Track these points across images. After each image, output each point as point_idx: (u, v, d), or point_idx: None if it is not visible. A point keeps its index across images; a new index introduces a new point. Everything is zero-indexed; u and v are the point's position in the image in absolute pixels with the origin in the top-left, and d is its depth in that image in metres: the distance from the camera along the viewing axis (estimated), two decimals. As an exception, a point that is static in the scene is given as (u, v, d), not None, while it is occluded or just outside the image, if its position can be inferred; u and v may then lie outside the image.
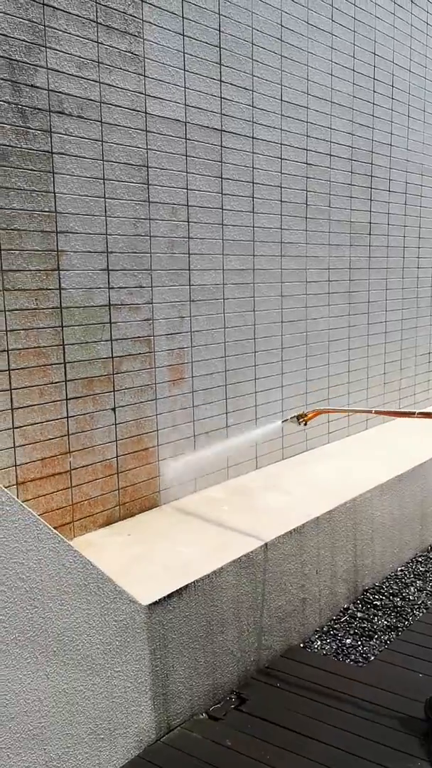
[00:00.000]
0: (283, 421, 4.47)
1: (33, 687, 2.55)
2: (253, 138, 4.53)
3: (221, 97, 4.24)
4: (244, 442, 4.68)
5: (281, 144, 4.78)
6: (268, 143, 4.66)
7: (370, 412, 5.62)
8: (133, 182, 3.74)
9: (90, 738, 2.77)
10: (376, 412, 5.08)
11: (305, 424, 4.29)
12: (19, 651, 2.49)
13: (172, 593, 3.08)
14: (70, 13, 3.32)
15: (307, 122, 5.00)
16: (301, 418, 4.21)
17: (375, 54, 5.63)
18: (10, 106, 3.13)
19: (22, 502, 3.27)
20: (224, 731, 3.15)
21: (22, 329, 3.27)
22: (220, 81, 4.22)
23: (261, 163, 4.62)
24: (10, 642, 2.46)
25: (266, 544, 3.62)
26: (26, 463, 3.34)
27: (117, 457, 3.79)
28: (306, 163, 5.04)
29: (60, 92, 3.33)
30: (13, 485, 3.28)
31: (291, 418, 4.28)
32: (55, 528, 3.42)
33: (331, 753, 3.00)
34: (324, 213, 5.29)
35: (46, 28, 3.23)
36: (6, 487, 3.24)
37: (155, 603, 3.01)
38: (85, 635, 2.73)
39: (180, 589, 3.11)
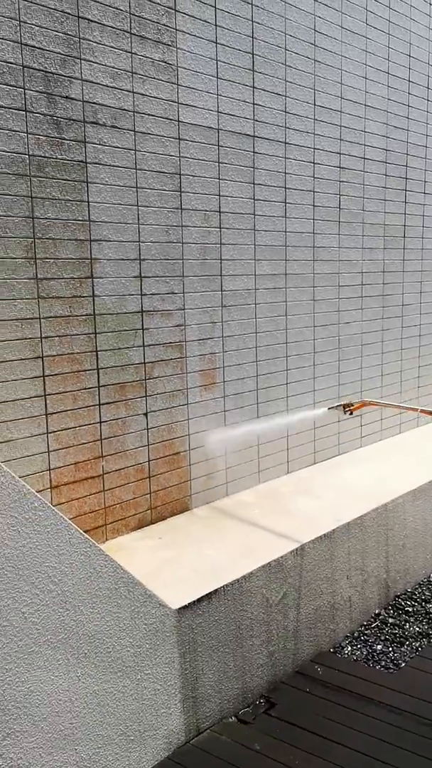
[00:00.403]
0: (329, 408, 4.46)
1: (64, 688, 2.61)
2: (285, 143, 4.55)
3: (254, 104, 4.27)
4: (287, 423, 4.72)
5: (314, 148, 4.79)
6: (301, 148, 4.67)
7: (416, 410, 5.56)
8: (165, 190, 3.79)
9: (120, 739, 2.83)
10: (423, 411, 5.02)
11: (351, 414, 4.31)
12: (51, 653, 2.55)
13: (202, 597, 3.12)
14: (104, 24, 3.37)
15: (340, 126, 5.00)
16: (347, 408, 4.23)
17: (410, 56, 5.60)
18: (46, 117, 3.20)
19: (56, 505, 3.35)
20: (253, 735, 3.17)
21: (57, 336, 3.33)
22: (253, 87, 4.24)
23: (294, 168, 4.63)
24: (42, 644, 2.52)
25: (296, 550, 3.64)
26: (60, 467, 3.40)
27: (149, 461, 3.84)
28: (339, 167, 5.04)
29: (94, 103, 3.38)
30: (47, 489, 3.35)
31: (337, 406, 4.29)
32: (87, 531, 3.50)
33: (359, 759, 3.01)
34: (357, 216, 5.28)
35: (81, 41, 3.29)
36: (40, 491, 3.32)
37: (185, 607, 3.05)
38: (116, 638, 2.78)
39: (209, 593, 3.15)
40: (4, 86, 3.03)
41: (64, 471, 3.42)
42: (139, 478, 3.80)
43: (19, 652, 2.45)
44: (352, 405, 4.28)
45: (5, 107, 3.05)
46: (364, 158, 5.28)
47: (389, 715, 3.31)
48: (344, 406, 4.31)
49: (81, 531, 2.64)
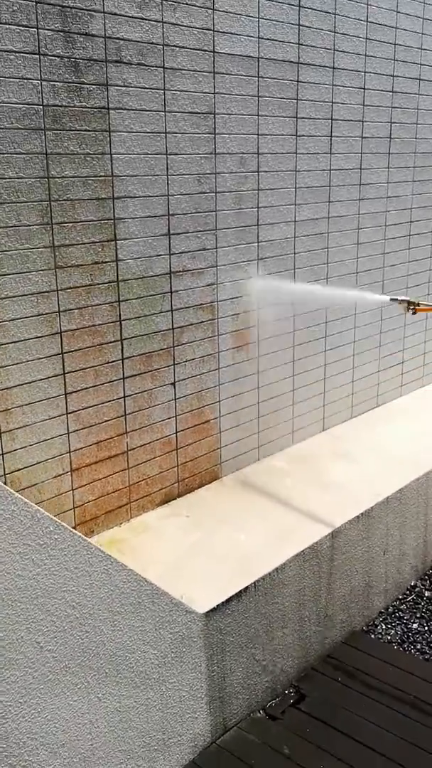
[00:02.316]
0: (391, 299, 3.98)
1: (84, 711, 2.46)
2: (333, 68, 4.04)
3: (299, 25, 3.75)
4: (341, 296, 4.34)
5: (365, 72, 4.26)
6: (350, 73, 4.15)
7: None
8: (198, 133, 3.37)
9: (143, 751, 2.70)
10: None
11: (414, 313, 3.85)
12: (70, 678, 2.39)
13: (231, 597, 2.92)
14: None
15: (395, 44, 4.44)
16: (411, 305, 3.78)
17: None
18: (62, 60, 2.78)
19: (77, 488, 3.15)
20: (282, 734, 3.04)
21: (76, 308, 3.03)
22: (299, 6, 3.71)
23: (341, 96, 4.13)
24: (59, 671, 2.35)
25: (332, 533, 3.42)
26: (80, 449, 3.17)
27: (176, 433, 3.59)
28: (392, 92, 4.51)
29: (118, 38, 2.94)
30: (68, 472, 3.13)
31: (401, 300, 3.83)
32: (111, 511, 3.32)
33: None
34: (409, 146, 4.78)
35: (101, -36, 2.81)
36: (59, 475, 3.10)
37: (213, 609, 2.85)
38: (139, 652, 2.61)
39: (239, 592, 2.95)
40: (15, 27, 2.60)
41: (85, 452, 3.19)
42: (165, 452, 3.56)
43: (35, 682, 2.28)
44: (419, 305, 3.77)
45: (16, 52, 2.63)
46: (420, 79, 4.73)
47: (428, 718, 3.13)
48: (410, 302, 3.80)
49: (101, 548, 2.42)
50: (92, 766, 2.52)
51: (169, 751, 2.81)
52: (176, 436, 3.59)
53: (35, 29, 2.66)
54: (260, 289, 3.83)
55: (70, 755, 2.44)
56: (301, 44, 3.79)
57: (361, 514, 3.60)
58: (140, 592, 2.57)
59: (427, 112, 4.85)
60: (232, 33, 3.40)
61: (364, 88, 4.29)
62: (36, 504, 2.97)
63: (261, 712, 3.19)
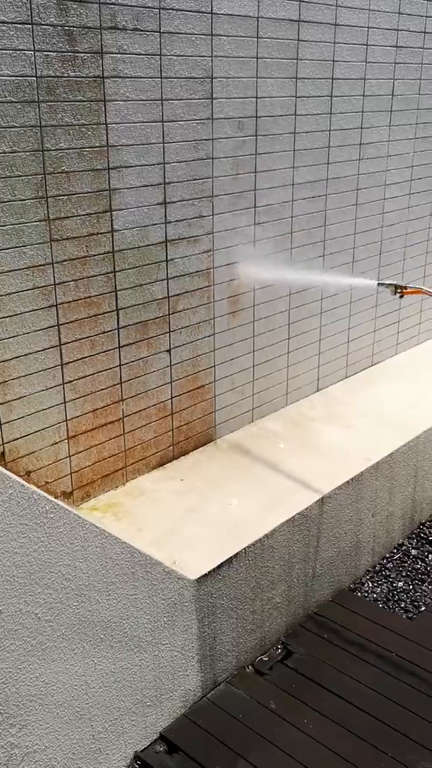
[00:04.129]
0: (378, 283, 4.07)
1: (80, 674, 2.59)
2: (335, 25, 3.95)
3: (301, -18, 3.66)
4: (330, 282, 4.41)
5: (368, 27, 4.17)
6: (352, 29, 4.06)
7: None
8: (195, 98, 3.33)
9: (136, 707, 2.86)
10: None
11: (401, 297, 3.93)
12: (66, 644, 2.52)
13: (222, 563, 3.04)
14: None
15: (400, -4, 4.34)
16: (399, 289, 3.86)
17: None
18: (56, 29, 2.74)
19: (74, 455, 3.23)
20: (268, 689, 3.21)
21: (72, 280, 3.05)
22: (301, -38, 3.62)
23: (343, 54, 4.06)
24: (56, 638, 2.48)
25: (322, 498, 3.52)
26: (77, 417, 3.24)
27: (171, 398, 3.65)
28: (395, 47, 4.42)
29: (113, 3, 2.89)
30: (64, 440, 3.20)
31: (389, 284, 3.90)
32: (107, 476, 3.41)
33: (378, 729, 3.00)
34: (412, 102, 4.71)
35: None
36: (56, 443, 3.18)
37: (204, 575, 2.97)
38: (133, 618, 2.74)
39: (230, 558, 3.07)
40: (6, -2, 2.56)
41: (81, 420, 3.26)
42: (161, 417, 3.63)
43: (33, 650, 2.41)
44: (406, 288, 3.84)
45: (9, 22, 2.60)
46: (425, 32, 4.62)
47: (410, 676, 3.28)
48: (396, 285, 3.88)
49: (96, 524, 2.52)
50: (88, 723, 2.68)
51: (162, 706, 2.97)
52: (171, 402, 3.66)
53: (28, -1, 2.62)
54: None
55: (67, 713, 2.60)
56: (302, 1, 3.71)
57: (351, 479, 3.69)
58: (134, 563, 2.68)
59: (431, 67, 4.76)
60: (230, -7, 3.33)
61: (367, 45, 4.21)
62: (34, 470, 3.10)
63: (250, 667, 3.35)
